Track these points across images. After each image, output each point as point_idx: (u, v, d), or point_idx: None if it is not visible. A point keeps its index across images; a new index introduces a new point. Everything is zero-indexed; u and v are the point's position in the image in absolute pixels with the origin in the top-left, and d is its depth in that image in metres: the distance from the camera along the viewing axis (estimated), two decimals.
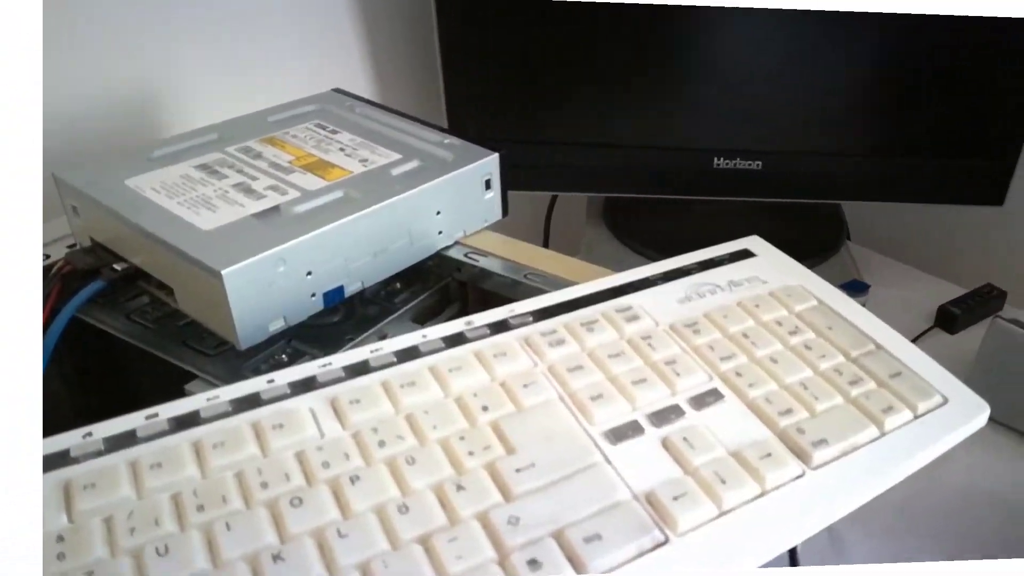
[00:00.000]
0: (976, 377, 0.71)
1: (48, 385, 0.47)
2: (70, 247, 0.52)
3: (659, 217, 0.98)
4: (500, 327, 0.42)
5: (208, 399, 0.37)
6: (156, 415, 0.36)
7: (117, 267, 0.48)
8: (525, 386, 0.38)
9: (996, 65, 0.80)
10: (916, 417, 0.39)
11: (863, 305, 0.53)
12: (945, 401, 0.40)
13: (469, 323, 0.42)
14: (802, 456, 0.36)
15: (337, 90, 0.65)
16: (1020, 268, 1.00)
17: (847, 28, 0.79)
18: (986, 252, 1.04)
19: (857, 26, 0.79)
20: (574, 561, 0.31)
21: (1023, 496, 0.69)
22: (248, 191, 0.49)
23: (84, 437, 0.34)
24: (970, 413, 0.40)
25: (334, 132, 0.57)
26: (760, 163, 0.85)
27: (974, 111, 0.83)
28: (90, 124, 0.68)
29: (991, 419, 0.41)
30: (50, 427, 0.34)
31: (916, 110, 0.84)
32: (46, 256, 0.52)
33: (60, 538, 0.30)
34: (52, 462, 0.33)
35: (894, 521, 0.66)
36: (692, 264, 0.49)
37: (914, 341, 0.65)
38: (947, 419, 0.40)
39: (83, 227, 0.50)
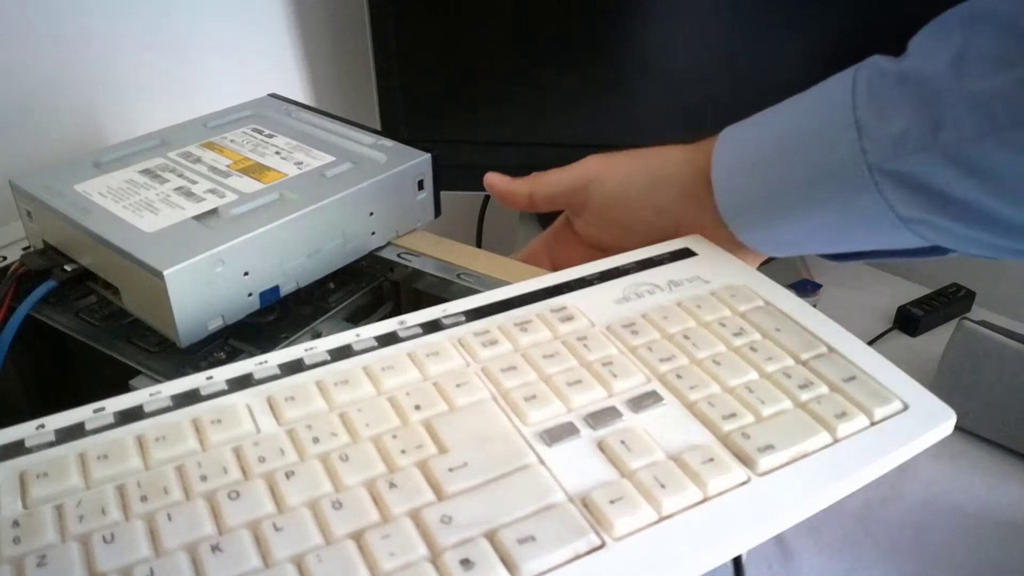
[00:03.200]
0: (941, 382, 0.69)
1: (4, 379, 0.49)
2: (25, 249, 0.53)
3: None
4: (433, 327, 0.42)
5: (151, 394, 0.37)
6: (103, 409, 0.36)
7: (67, 268, 0.49)
8: (458, 386, 0.38)
9: None
10: (873, 424, 0.37)
11: (814, 306, 0.50)
12: (906, 407, 0.38)
13: (402, 323, 0.42)
14: (747, 462, 0.35)
15: (273, 95, 0.65)
16: (989, 267, 0.92)
17: (790, 11, 0.75)
18: None
19: (801, 7, 0.74)
20: (507, 562, 0.30)
21: (992, 510, 0.65)
22: (188, 194, 0.50)
23: (37, 428, 0.35)
24: (934, 420, 0.38)
25: (270, 136, 0.58)
26: None
27: None
28: (43, 132, 0.69)
29: (958, 427, 0.38)
30: (6, 418, 0.36)
31: None
32: (3, 258, 0.53)
33: (16, 523, 0.31)
34: (8, 451, 0.34)
35: (850, 533, 0.62)
36: (630, 263, 0.48)
37: (871, 344, 0.62)
38: (908, 426, 0.38)
39: (37, 230, 0.52)
